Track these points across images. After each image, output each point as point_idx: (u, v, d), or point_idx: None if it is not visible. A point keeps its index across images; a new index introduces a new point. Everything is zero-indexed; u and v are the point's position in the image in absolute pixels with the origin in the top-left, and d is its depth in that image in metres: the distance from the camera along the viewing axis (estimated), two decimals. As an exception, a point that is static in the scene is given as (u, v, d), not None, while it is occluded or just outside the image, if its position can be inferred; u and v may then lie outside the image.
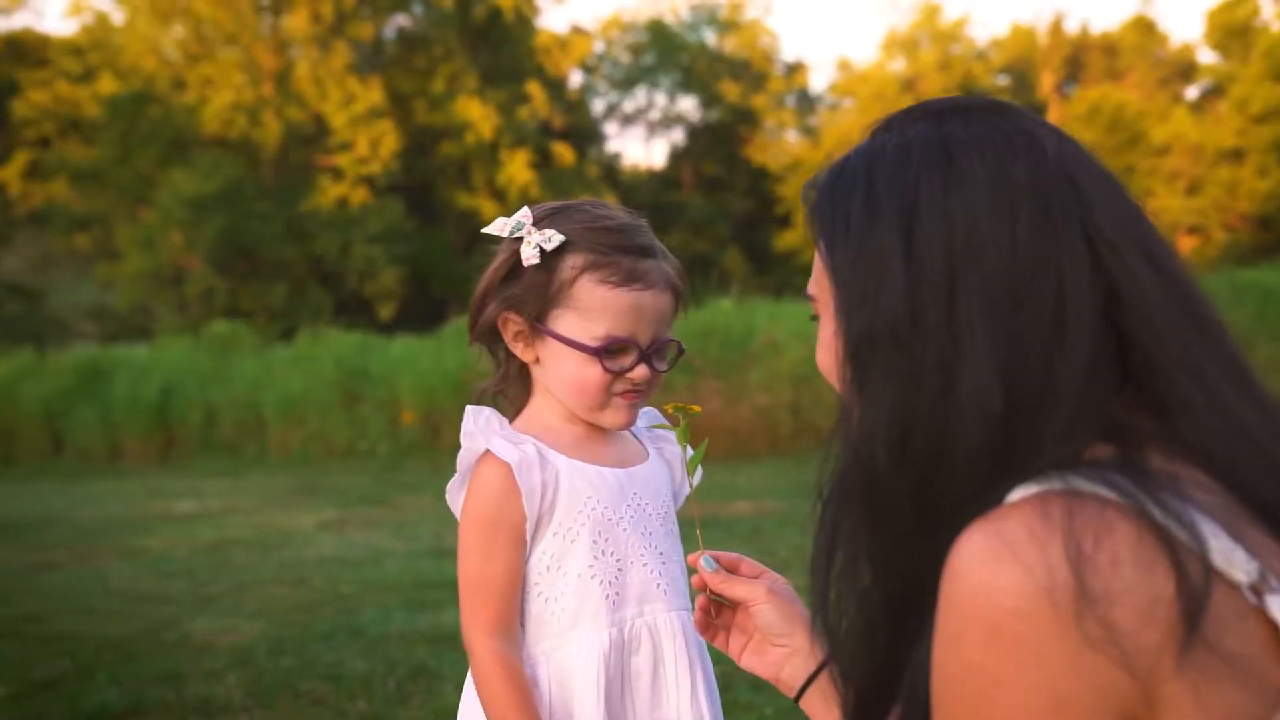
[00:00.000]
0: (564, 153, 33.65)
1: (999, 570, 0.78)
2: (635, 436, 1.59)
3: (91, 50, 31.65)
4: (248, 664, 4.43)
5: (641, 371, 1.50)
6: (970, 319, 0.85)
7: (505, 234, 1.49)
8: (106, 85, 30.37)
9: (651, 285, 1.49)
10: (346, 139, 30.62)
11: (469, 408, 1.52)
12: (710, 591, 1.36)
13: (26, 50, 33.36)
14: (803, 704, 1.27)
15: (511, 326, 1.51)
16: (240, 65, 30.49)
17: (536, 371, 1.54)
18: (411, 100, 32.82)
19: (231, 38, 30.53)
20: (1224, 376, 0.87)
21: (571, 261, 1.47)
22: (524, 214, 1.51)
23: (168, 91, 30.50)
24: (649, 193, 35.51)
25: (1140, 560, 0.76)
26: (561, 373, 1.50)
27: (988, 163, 0.89)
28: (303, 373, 12.42)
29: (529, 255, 1.47)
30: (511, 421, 1.55)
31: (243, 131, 30.12)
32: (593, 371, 1.48)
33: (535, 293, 1.48)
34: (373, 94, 30.65)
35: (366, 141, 30.53)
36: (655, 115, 40.38)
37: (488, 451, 1.47)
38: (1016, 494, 0.81)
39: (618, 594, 1.48)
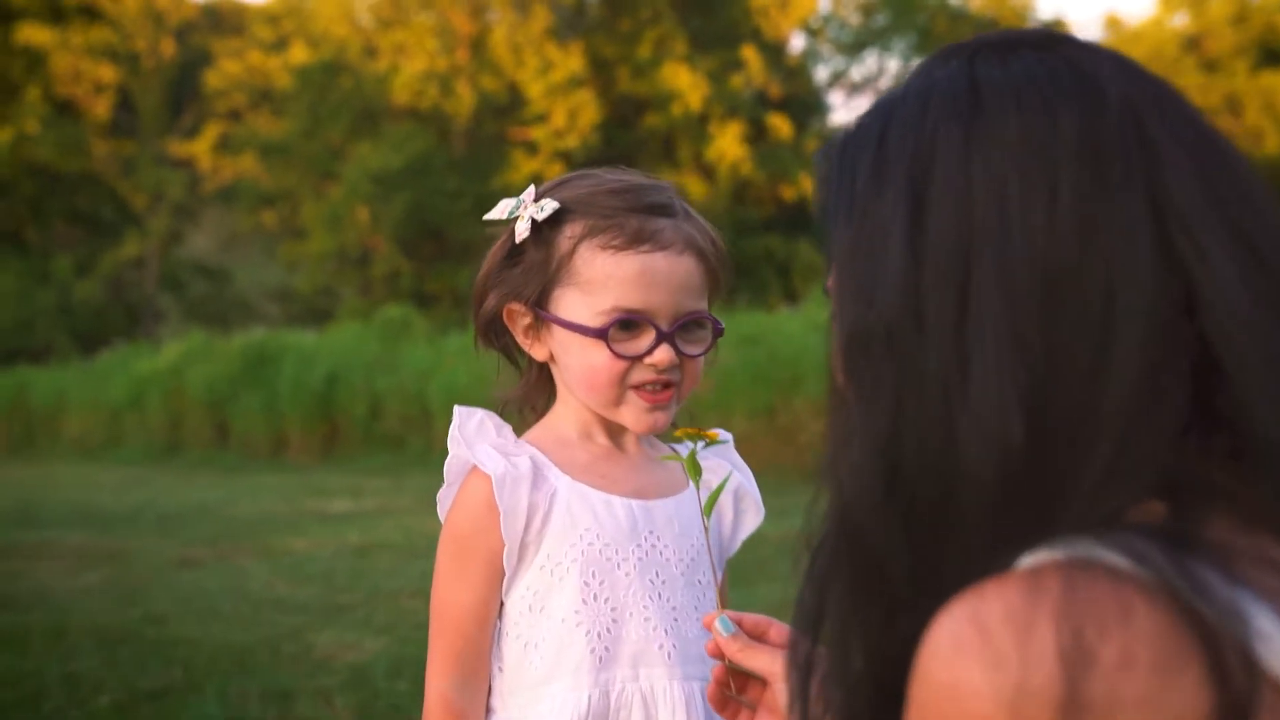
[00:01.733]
0: (781, 125, 33.41)
1: (965, 666, 0.66)
2: (686, 460, 1.44)
3: (286, 17, 33.49)
4: (362, 686, 4.49)
5: (663, 355, 1.38)
6: (985, 320, 0.73)
7: (505, 215, 1.42)
8: (297, 54, 32.08)
9: (665, 245, 1.38)
10: (543, 110, 31.31)
11: (458, 409, 1.45)
12: (728, 660, 1.23)
13: (223, 19, 35.64)
14: None
15: (518, 320, 1.44)
16: (434, 30, 31.62)
17: (556, 372, 1.46)
18: (614, 67, 33.28)
19: (426, 1, 31.69)
20: None
21: (569, 230, 1.40)
22: (528, 192, 1.44)
23: (358, 60, 31.94)
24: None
25: (1162, 661, 0.64)
26: (570, 364, 1.41)
27: (1025, 113, 0.76)
28: (473, 362, 12.71)
29: (521, 230, 1.40)
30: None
31: (434, 102, 31.24)
32: (599, 357, 1.38)
33: (534, 273, 1.40)
34: (572, 61, 31.23)
35: (564, 112, 31.14)
36: (887, 83, 39.61)
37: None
38: (1027, 561, 0.70)
39: (607, 649, 1.37)
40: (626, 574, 1.39)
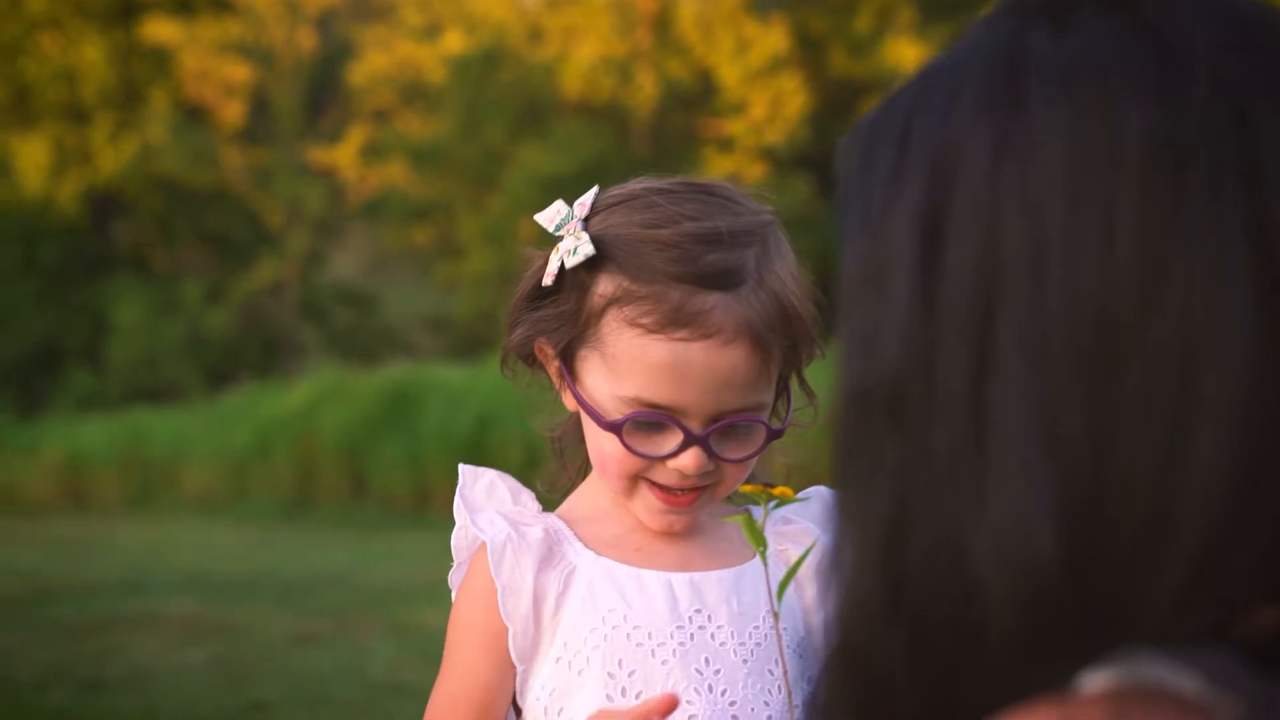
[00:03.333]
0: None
1: None
2: (744, 524, 1.41)
3: (438, 0, 34.56)
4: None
5: (690, 461, 1.36)
6: (1008, 393, 0.66)
7: (551, 228, 1.42)
8: (452, 42, 33.04)
9: (709, 333, 1.34)
10: (739, 99, 31.41)
11: (463, 469, 1.48)
12: None
13: (368, 4, 37.00)
14: None
15: (549, 361, 1.44)
16: (610, 8, 32.11)
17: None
18: (825, 45, 33.19)
19: (601, -25, 32.23)
20: None
21: (603, 286, 1.38)
22: (584, 201, 1.43)
23: (522, 47, 32.68)
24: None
25: None
26: (588, 436, 1.42)
27: (1077, 108, 0.67)
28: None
29: (549, 271, 1.39)
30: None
31: (610, 94, 31.69)
32: (612, 449, 1.37)
33: (564, 322, 1.40)
34: (774, 39, 31.28)
35: (765, 101, 31.19)
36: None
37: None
38: (1093, 683, 0.65)
39: None
40: (664, 661, 1.36)
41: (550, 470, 1.56)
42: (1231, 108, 0.66)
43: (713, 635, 1.38)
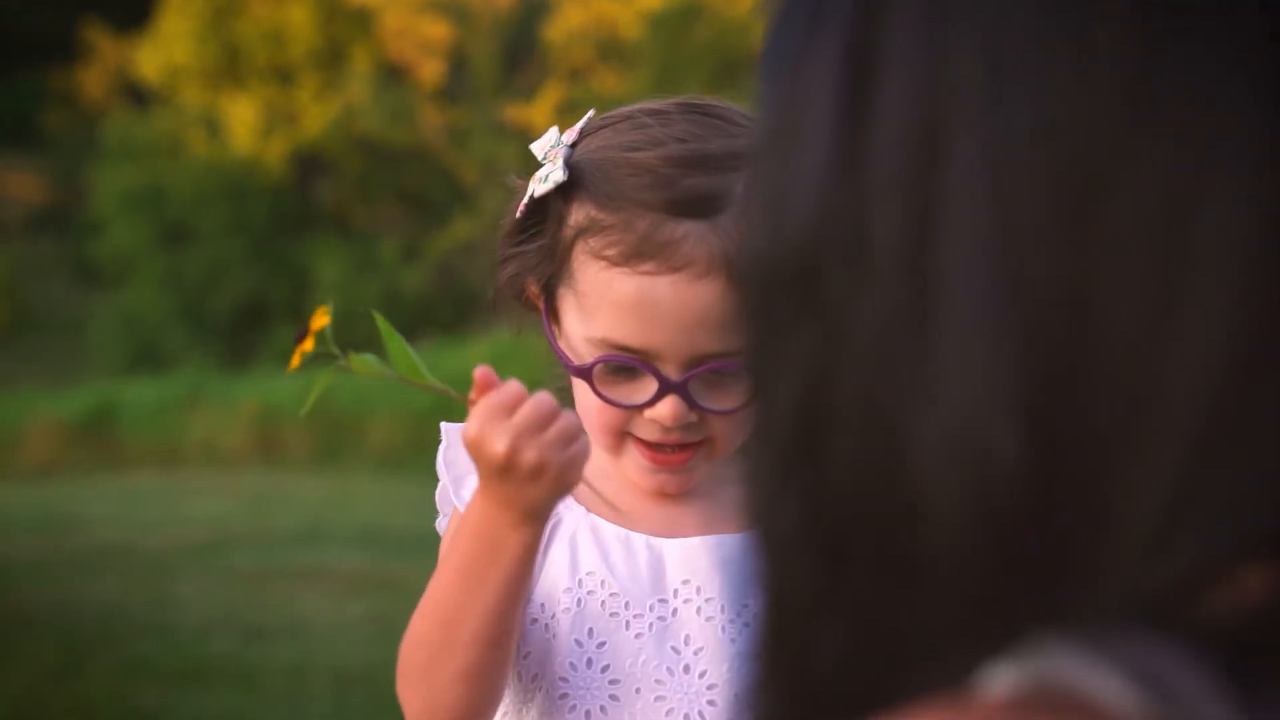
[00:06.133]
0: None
1: None
2: None
3: (638, -45, 34.57)
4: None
5: (668, 410, 1.23)
6: (960, 250, 0.50)
7: (540, 156, 1.31)
8: (649, -1, 33.00)
9: (678, 266, 1.22)
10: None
11: (445, 426, 1.37)
12: None
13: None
14: None
15: (538, 300, 1.36)
16: (808, -37, 31.66)
17: None
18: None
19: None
20: None
21: (574, 215, 1.28)
22: (579, 125, 1.33)
23: (719, 2, 32.47)
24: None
25: None
26: (573, 386, 1.32)
27: None
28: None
29: (522, 201, 1.31)
30: None
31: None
32: (591, 401, 1.27)
33: (543, 255, 1.31)
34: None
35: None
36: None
37: None
38: (996, 682, 0.50)
39: None
40: (638, 635, 1.26)
41: None
42: None
43: (699, 610, 1.27)
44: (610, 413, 1.27)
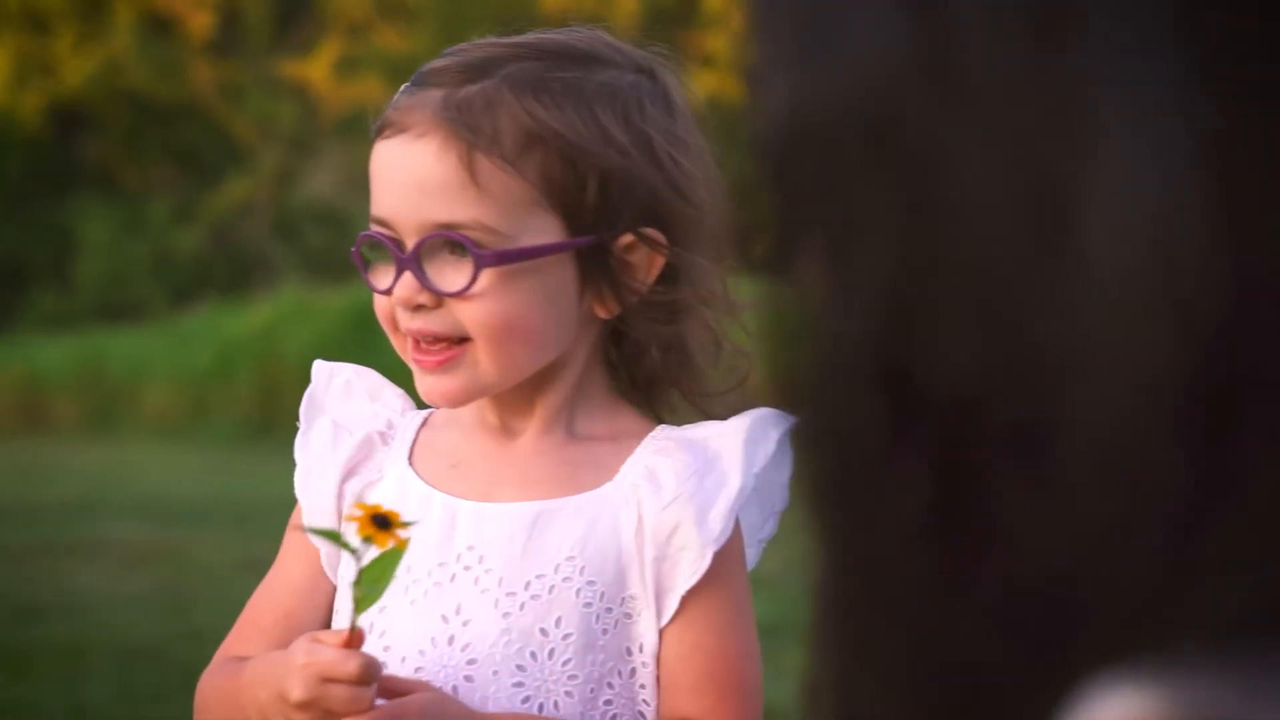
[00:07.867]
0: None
1: None
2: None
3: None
4: None
5: (400, 289, 1.22)
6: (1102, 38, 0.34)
7: None
8: (428, -47, 32.57)
9: (403, 128, 1.24)
10: (720, 12, 31.11)
11: (317, 365, 1.42)
12: None
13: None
14: None
15: None
16: (590, -80, 31.69)
17: None
18: (812, -42, 32.98)
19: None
20: None
21: None
22: None
23: (501, -42, 32.28)
24: None
25: None
26: None
27: None
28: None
29: None
30: None
31: (590, 8, 31.32)
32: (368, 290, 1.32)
33: None
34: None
35: (741, 18, 30.94)
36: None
37: None
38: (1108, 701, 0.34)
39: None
40: (413, 601, 1.24)
41: None
42: None
43: (477, 580, 1.24)
44: (379, 303, 1.28)
